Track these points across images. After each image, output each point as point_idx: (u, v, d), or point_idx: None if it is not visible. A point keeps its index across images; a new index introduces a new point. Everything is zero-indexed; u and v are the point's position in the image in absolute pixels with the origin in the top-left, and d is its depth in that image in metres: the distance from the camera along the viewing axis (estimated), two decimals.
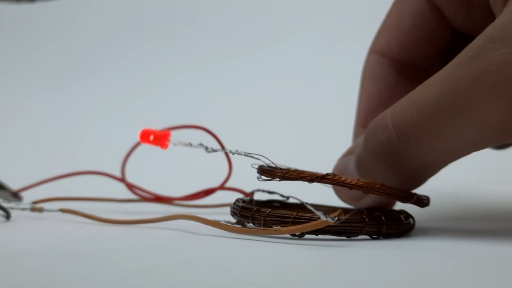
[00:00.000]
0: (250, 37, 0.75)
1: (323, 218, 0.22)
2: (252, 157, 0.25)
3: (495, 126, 0.21)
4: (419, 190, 0.25)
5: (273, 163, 0.25)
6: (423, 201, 0.25)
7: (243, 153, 0.26)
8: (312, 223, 0.22)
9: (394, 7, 0.29)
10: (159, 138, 0.30)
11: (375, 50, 0.29)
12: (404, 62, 0.29)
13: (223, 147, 0.36)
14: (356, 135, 0.30)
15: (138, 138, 0.31)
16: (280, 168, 0.25)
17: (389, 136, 0.23)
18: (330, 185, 0.25)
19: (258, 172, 0.25)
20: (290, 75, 0.69)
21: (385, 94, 0.28)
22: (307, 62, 0.69)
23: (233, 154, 0.27)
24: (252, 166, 0.26)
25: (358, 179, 0.24)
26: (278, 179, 0.24)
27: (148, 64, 0.77)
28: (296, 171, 0.24)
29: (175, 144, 0.30)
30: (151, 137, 0.31)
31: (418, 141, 0.23)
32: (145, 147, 0.40)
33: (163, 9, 0.83)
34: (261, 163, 0.25)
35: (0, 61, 0.83)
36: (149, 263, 0.20)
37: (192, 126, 0.38)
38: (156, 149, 0.46)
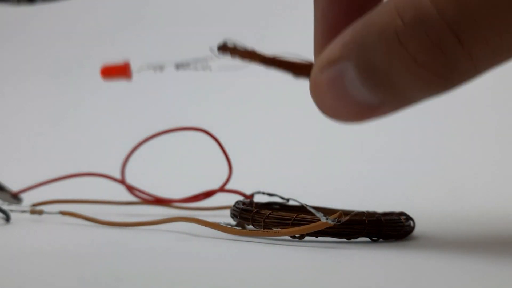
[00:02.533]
0: (250, 37, 0.75)
1: (323, 219, 0.22)
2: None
3: None
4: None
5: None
6: None
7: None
8: (312, 224, 0.22)
9: None
10: (121, 69, 0.29)
11: None
12: None
13: (223, 150, 0.36)
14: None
15: (100, 76, 0.30)
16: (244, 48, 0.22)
17: (439, 29, 0.17)
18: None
19: (218, 49, 0.23)
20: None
21: (351, 6, 0.23)
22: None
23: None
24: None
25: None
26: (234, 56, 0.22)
27: (147, 64, 0.77)
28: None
29: (139, 71, 0.29)
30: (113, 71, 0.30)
31: (484, 37, 0.17)
32: (145, 147, 0.40)
33: (163, 10, 0.83)
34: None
35: None
36: (149, 265, 0.20)
37: (192, 128, 0.38)
38: (156, 149, 0.46)
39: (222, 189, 0.37)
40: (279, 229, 0.24)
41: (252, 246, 0.23)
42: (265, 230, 0.24)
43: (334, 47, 0.20)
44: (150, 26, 0.82)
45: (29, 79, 0.81)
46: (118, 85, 0.81)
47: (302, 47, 0.25)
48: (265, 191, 0.31)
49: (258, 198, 0.31)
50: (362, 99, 0.20)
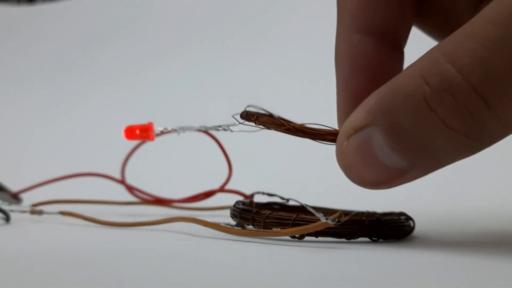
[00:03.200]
0: (249, 37, 0.75)
1: (323, 220, 0.22)
2: None
3: None
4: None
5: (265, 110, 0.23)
6: None
7: None
8: (312, 225, 0.22)
9: None
10: (145, 131, 0.30)
11: (357, 29, 0.23)
12: (386, 34, 0.24)
13: (224, 150, 0.36)
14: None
15: (123, 136, 0.30)
16: (263, 114, 0.23)
17: (466, 94, 0.18)
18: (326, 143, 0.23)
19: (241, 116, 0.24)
20: (291, 74, 0.69)
21: (372, 73, 0.23)
22: (307, 61, 0.69)
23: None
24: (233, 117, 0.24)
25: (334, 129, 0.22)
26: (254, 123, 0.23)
27: (147, 65, 0.77)
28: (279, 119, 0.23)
29: (161, 133, 0.29)
30: (137, 132, 0.30)
31: (510, 99, 0.18)
32: (145, 147, 0.40)
33: (162, 10, 0.83)
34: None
35: None
36: (149, 266, 0.20)
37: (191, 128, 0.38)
38: (156, 150, 0.46)
39: (222, 189, 0.37)
40: (279, 229, 0.23)
41: (252, 246, 0.23)
42: (265, 230, 0.24)
43: (359, 113, 0.21)
44: (150, 26, 0.82)
45: (29, 79, 0.81)
46: (118, 85, 0.81)
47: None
48: (265, 191, 0.31)
49: (258, 198, 0.31)
50: (392, 164, 0.20)
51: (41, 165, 0.60)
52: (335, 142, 0.22)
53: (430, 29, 0.26)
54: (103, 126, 0.70)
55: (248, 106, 0.24)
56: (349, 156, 0.21)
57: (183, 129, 0.27)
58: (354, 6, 0.23)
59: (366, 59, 0.23)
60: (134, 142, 0.40)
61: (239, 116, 0.24)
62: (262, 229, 0.24)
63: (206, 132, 0.35)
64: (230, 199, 0.30)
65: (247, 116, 0.24)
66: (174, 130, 0.28)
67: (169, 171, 0.56)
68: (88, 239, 0.27)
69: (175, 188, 0.39)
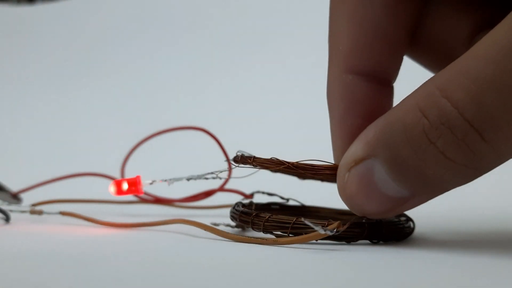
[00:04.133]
0: (249, 37, 0.75)
1: (321, 231, 0.22)
2: None
3: None
4: None
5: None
6: None
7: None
8: (310, 235, 0.22)
9: (349, 21, 0.24)
10: (134, 185, 0.30)
11: (349, 70, 0.24)
12: (378, 73, 0.24)
13: (223, 150, 0.36)
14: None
15: (111, 193, 0.30)
16: (255, 157, 0.24)
17: (462, 128, 0.19)
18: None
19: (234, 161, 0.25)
20: (290, 75, 0.69)
21: (366, 110, 0.24)
22: (307, 61, 0.69)
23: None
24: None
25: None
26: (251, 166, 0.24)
27: (147, 65, 0.77)
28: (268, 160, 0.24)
29: (150, 184, 0.30)
30: (125, 187, 0.31)
31: (504, 133, 0.19)
32: (145, 147, 0.40)
33: (162, 11, 0.83)
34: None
35: None
36: (149, 266, 0.20)
37: (192, 127, 0.38)
38: (157, 150, 0.46)
39: (222, 189, 0.37)
40: (278, 233, 0.24)
41: (252, 248, 0.23)
42: (264, 239, 0.24)
43: (359, 145, 0.22)
44: (151, 26, 0.82)
45: (29, 79, 0.81)
46: (117, 85, 0.81)
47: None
48: (265, 191, 0.31)
49: (258, 198, 0.31)
50: (393, 194, 0.21)
51: (41, 165, 0.60)
52: (334, 177, 0.23)
53: (421, 59, 0.26)
54: (103, 126, 0.70)
55: (238, 151, 0.25)
56: (351, 187, 0.22)
57: (172, 180, 0.28)
58: (347, 47, 0.24)
59: (360, 97, 0.24)
60: (134, 142, 0.40)
61: (233, 161, 0.25)
62: (261, 238, 0.24)
63: (208, 132, 0.36)
64: (230, 199, 0.30)
65: (242, 159, 0.24)
66: (164, 181, 0.29)
67: (169, 170, 0.56)
68: (88, 239, 0.27)
69: (175, 187, 0.39)
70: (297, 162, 0.23)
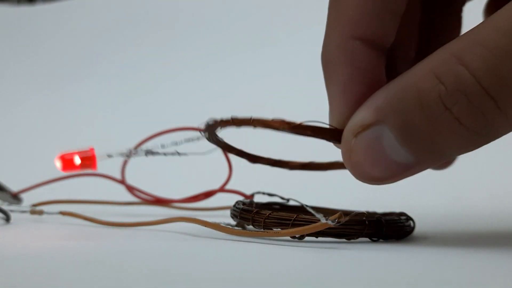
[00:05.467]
0: (249, 37, 0.75)
1: (323, 220, 0.22)
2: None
3: None
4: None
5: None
6: None
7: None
8: (312, 225, 0.22)
9: None
10: (88, 160, 0.27)
11: (356, 36, 0.23)
12: (384, 43, 0.24)
13: (225, 154, 0.36)
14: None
15: (58, 168, 0.27)
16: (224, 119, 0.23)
17: (479, 95, 0.19)
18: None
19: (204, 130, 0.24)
20: (289, 75, 0.69)
21: (369, 79, 0.23)
22: (307, 61, 0.69)
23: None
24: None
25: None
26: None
27: (147, 65, 0.77)
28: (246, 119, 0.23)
29: (103, 158, 0.27)
30: (77, 161, 0.27)
31: None
32: (145, 147, 0.40)
33: (162, 11, 0.83)
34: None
35: None
36: (149, 266, 0.20)
37: (192, 128, 0.38)
38: (156, 149, 0.46)
39: (222, 189, 0.37)
40: (279, 229, 0.23)
41: (252, 246, 0.23)
42: (265, 230, 0.24)
43: (367, 111, 0.21)
44: (151, 26, 0.82)
45: (29, 79, 0.81)
46: (117, 85, 0.81)
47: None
48: (265, 191, 0.31)
49: (258, 198, 0.31)
50: (400, 160, 0.21)
51: (41, 165, 0.60)
52: (335, 140, 0.22)
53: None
54: (103, 126, 0.70)
55: (210, 119, 0.24)
56: (358, 153, 0.22)
57: (130, 154, 0.26)
58: (355, 13, 0.23)
59: (365, 64, 0.23)
60: (133, 143, 0.40)
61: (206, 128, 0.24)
62: (262, 230, 0.24)
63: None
64: (230, 199, 0.30)
65: (217, 124, 0.24)
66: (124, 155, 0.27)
67: (169, 171, 0.56)
68: (88, 239, 0.27)
69: (175, 188, 0.39)
70: (300, 123, 0.22)
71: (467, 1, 0.28)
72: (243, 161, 0.27)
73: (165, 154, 0.25)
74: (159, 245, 0.24)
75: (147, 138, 0.39)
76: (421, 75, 0.20)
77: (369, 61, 0.23)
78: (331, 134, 0.23)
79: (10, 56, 0.84)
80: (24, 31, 0.87)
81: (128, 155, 0.26)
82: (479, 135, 0.20)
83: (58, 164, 0.25)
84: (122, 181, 0.39)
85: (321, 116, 0.24)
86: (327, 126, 0.23)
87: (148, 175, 0.45)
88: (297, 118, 0.23)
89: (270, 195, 0.31)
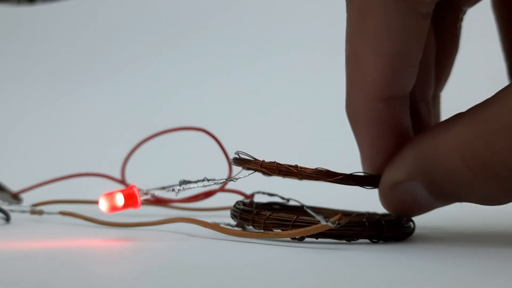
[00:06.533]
0: (252, 39, 0.75)
1: (324, 222, 0.21)
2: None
3: None
4: None
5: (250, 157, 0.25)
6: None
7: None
8: (313, 227, 0.22)
9: (375, 52, 0.23)
10: (130, 198, 0.26)
11: (379, 99, 0.24)
12: (407, 91, 0.25)
13: (224, 150, 0.36)
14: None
15: (103, 210, 0.26)
16: (255, 160, 0.25)
17: (507, 175, 0.21)
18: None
19: (234, 163, 0.25)
20: (292, 77, 0.69)
21: (396, 131, 0.24)
22: (308, 64, 0.69)
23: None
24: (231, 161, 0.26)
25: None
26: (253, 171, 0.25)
27: (147, 65, 0.77)
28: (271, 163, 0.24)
29: (145, 194, 0.28)
30: (120, 201, 0.26)
31: None
32: (145, 147, 0.40)
33: (162, 11, 0.83)
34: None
35: None
36: (149, 266, 0.20)
37: (192, 128, 0.38)
38: (157, 149, 0.46)
39: (222, 189, 0.37)
40: (279, 231, 0.23)
41: (252, 247, 0.23)
42: (265, 232, 0.24)
43: (397, 171, 0.24)
44: (152, 26, 0.82)
45: (29, 79, 0.81)
46: (118, 85, 0.81)
47: None
48: (265, 191, 0.31)
49: (258, 198, 0.31)
50: (428, 205, 0.24)
51: (41, 165, 0.60)
52: (370, 185, 0.25)
53: None
54: (103, 126, 0.70)
55: (237, 152, 0.26)
56: (394, 204, 0.25)
57: (179, 188, 0.27)
58: (378, 78, 0.23)
59: (391, 121, 0.24)
60: (134, 142, 0.40)
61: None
62: (262, 231, 0.24)
63: (209, 133, 0.35)
64: (230, 199, 0.30)
65: (245, 162, 0.25)
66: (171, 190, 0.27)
67: (169, 170, 0.56)
68: (88, 239, 0.27)
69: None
70: (342, 175, 0.24)
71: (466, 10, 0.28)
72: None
73: (197, 183, 0.26)
74: (159, 245, 0.24)
75: (147, 138, 0.39)
76: (447, 156, 0.22)
77: (393, 116, 0.24)
78: (367, 182, 0.25)
79: (10, 56, 0.84)
80: (24, 31, 0.87)
81: (168, 190, 0.26)
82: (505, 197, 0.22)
83: (103, 206, 0.26)
84: (122, 181, 0.38)
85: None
86: (362, 174, 0.25)
87: (148, 175, 0.45)
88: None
89: (270, 195, 0.31)
